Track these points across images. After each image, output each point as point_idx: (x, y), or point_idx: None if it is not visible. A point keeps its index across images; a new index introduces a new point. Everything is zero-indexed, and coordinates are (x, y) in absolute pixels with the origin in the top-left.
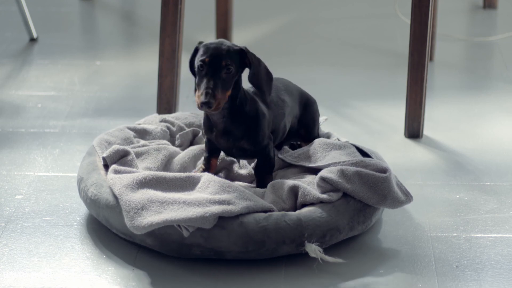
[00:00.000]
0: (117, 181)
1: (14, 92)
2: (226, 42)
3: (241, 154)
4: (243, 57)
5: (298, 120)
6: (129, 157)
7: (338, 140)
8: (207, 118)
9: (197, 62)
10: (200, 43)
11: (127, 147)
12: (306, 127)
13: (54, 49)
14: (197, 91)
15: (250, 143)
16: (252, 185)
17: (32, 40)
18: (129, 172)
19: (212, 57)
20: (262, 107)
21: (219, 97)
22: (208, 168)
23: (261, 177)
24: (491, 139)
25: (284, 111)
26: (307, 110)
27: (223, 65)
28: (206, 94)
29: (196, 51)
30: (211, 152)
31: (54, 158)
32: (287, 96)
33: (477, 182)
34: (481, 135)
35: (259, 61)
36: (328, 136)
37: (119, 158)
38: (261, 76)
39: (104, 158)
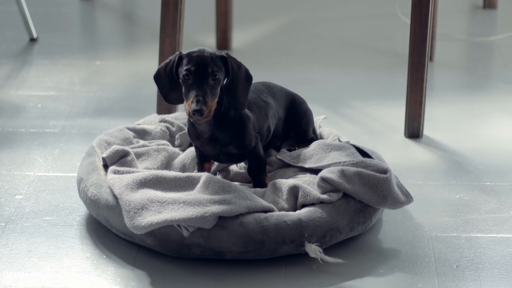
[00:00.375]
0: (117, 181)
1: (14, 92)
2: (207, 49)
3: (229, 159)
4: (226, 63)
5: (285, 121)
6: (129, 158)
7: (339, 140)
8: (192, 127)
9: (181, 72)
10: (180, 53)
11: (127, 148)
12: (296, 128)
13: (54, 49)
14: (186, 101)
15: (238, 148)
16: (251, 184)
17: (32, 40)
18: (129, 172)
19: (198, 65)
20: (246, 110)
21: (210, 104)
22: None
23: (256, 177)
24: (491, 139)
25: (267, 113)
26: (295, 110)
27: (209, 72)
28: (198, 101)
29: (180, 59)
30: (202, 158)
31: (54, 158)
32: (270, 98)
33: (477, 182)
34: (481, 135)
35: (239, 65)
36: (322, 136)
37: (118, 159)
38: (240, 81)
39: (103, 159)
